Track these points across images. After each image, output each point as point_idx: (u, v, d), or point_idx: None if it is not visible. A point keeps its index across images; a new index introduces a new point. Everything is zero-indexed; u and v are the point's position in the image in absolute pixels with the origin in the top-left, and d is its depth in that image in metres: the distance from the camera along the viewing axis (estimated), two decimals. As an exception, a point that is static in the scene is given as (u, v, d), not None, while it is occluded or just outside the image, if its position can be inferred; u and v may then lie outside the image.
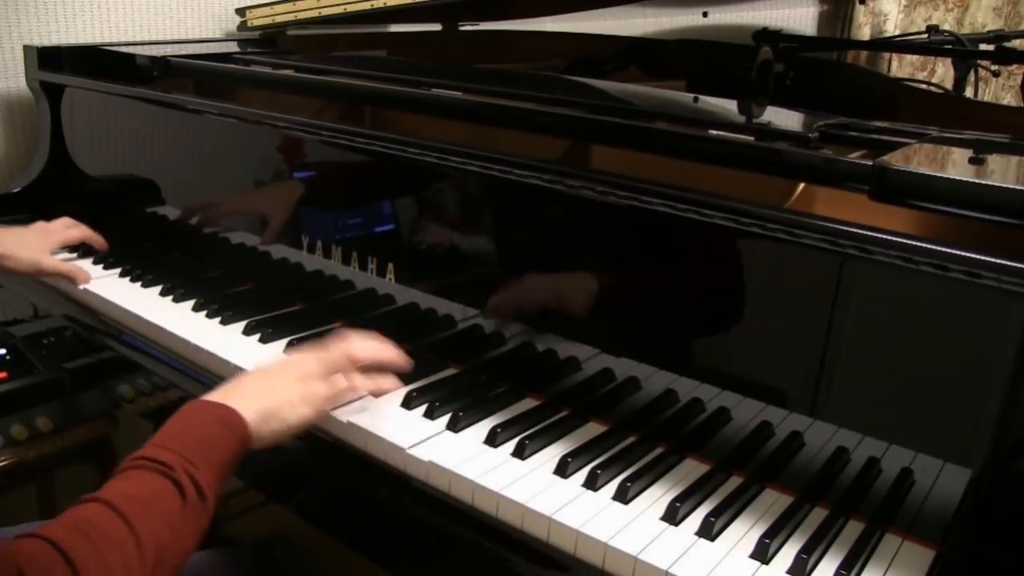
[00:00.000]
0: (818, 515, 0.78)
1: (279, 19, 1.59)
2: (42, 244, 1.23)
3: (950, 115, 1.36)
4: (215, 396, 0.80)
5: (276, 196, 1.21)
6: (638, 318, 0.92)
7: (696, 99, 1.17)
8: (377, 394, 0.93)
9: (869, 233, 0.71)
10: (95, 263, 1.31)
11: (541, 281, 0.97)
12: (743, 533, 0.75)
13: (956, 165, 0.79)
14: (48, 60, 1.50)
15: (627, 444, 0.87)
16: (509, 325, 0.98)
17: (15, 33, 1.58)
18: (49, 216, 1.36)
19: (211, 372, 1.04)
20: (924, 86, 2.02)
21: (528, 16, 1.86)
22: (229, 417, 0.78)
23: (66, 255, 1.30)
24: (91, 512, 0.67)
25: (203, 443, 0.75)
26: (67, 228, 1.29)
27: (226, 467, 0.76)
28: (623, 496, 0.79)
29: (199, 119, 1.30)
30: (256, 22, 1.63)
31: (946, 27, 2.66)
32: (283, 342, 1.06)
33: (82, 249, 1.34)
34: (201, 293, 1.19)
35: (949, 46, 1.87)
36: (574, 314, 0.94)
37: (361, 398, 0.94)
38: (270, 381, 0.85)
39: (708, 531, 0.74)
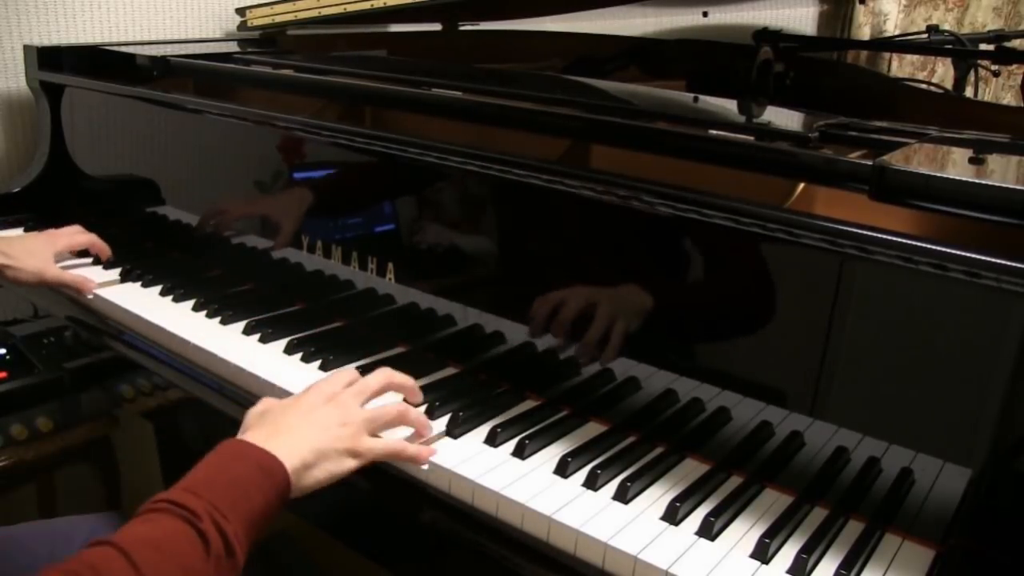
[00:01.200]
0: (818, 515, 0.78)
1: (279, 19, 1.59)
2: (48, 252, 1.22)
3: (950, 115, 1.36)
4: (256, 438, 0.73)
5: (288, 202, 1.20)
6: (638, 318, 0.92)
7: (696, 99, 1.17)
8: (420, 429, 0.86)
9: (869, 233, 0.71)
10: (95, 263, 1.31)
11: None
12: (743, 533, 0.75)
13: (956, 165, 0.79)
14: (48, 60, 1.50)
15: (627, 444, 0.87)
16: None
17: (15, 33, 1.58)
18: (49, 216, 1.37)
19: (211, 372, 1.04)
20: (924, 86, 2.02)
21: (528, 16, 1.86)
22: (270, 465, 0.70)
23: (73, 260, 1.29)
24: (98, 556, 0.60)
25: (238, 492, 0.67)
26: (74, 234, 1.28)
27: (260, 521, 0.68)
28: (623, 496, 0.79)
29: (199, 119, 1.30)
30: (256, 22, 1.63)
31: (946, 27, 2.66)
32: (283, 342, 1.06)
33: (90, 254, 1.32)
34: (201, 293, 1.19)
35: (949, 46, 1.87)
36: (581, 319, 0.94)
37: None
38: (316, 424, 0.77)
39: (708, 531, 0.74)
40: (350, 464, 0.77)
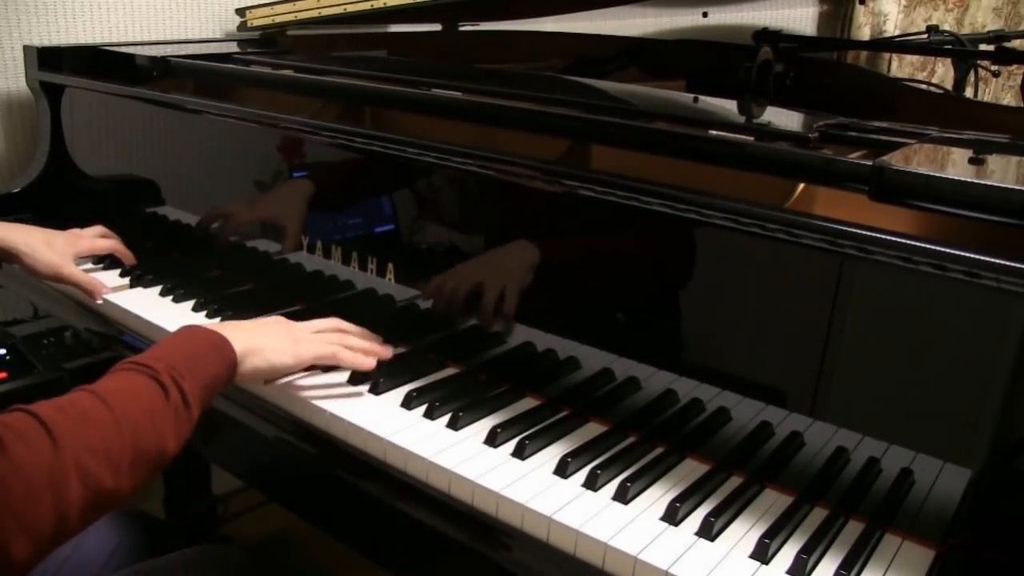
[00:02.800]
0: (818, 515, 0.78)
1: (279, 19, 1.59)
2: (68, 250, 1.21)
3: (950, 115, 1.36)
4: (211, 326, 0.87)
5: (288, 203, 1.20)
6: (638, 319, 0.92)
7: (696, 99, 1.17)
8: (355, 367, 0.96)
9: (869, 233, 0.71)
10: (95, 263, 1.31)
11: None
12: (743, 533, 0.75)
13: (956, 165, 0.79)
14: (48, 60, 1.50)
15: (627, 444, 0.87)
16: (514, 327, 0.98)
17: (15, 33, 1.58)
18: (49, 217, 1.36)
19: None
20: (924, 86, 2.02)
21: (528, 16, 1.86)
22: (219, 343, 0.83)
23: (89, 265, 1.29)
24: (74, 396, 0.71)
25: (191, 359, 0.79)
26: (97, 237, 1.28)
27: (211, 386, 0.80)
28: (623, 496, 0.79)
29: (199, 119, 1.30)
30: (256, 22, 1.63)
31: (946, 27, 2.67)
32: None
33: (108, 260, 1.32)
34: (201, 293, 1.19)
35: (949, 46, 1.87)
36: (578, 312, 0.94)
37: (359, 395, 0.94)
38: (263, 327, 0.92)
39: (708, 531, 0.74)
40: (288, 357, 0.90)
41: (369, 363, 0.96)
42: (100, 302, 1.20)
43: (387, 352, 0.99)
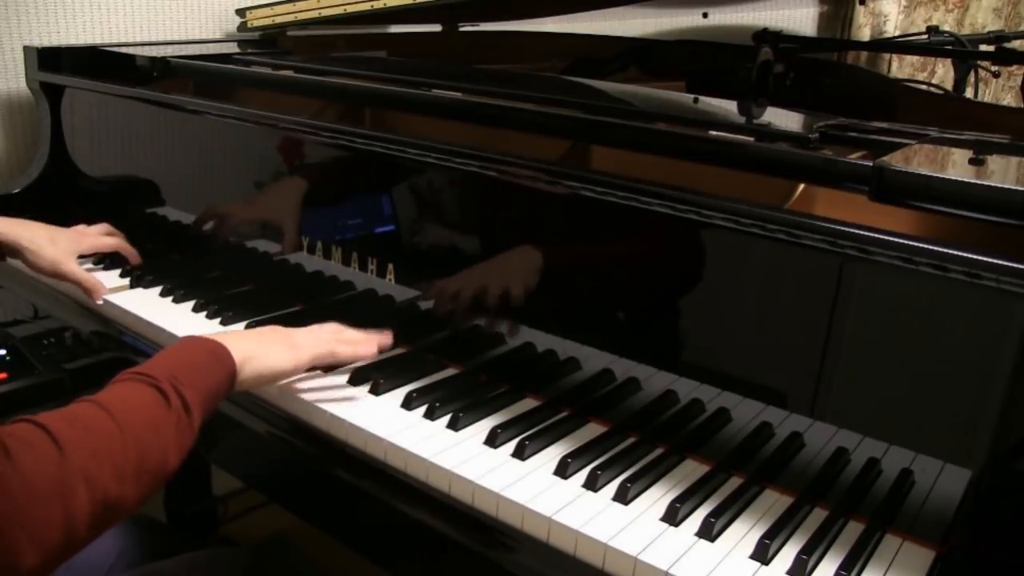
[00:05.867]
0: (818, 516, 0.78)
1: (279, 20, 1.59)
2: (71, 247, 1.21)
3: (950, 116, 1.36)
4: (210, 335, 0.87)
5: (287, 203, 1.20)
6: (638, 319, 0.92)
7: (696, 100, 1.17)
8: (355, 356, 0.97)
9: (869, 233, 0.71)
10: (96, 263, 1.31)
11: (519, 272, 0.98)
12: (743, 534, 0.75)
13: (956, 166, 0.79)
14: (48, 61, 1.50)
15: (627, 445, 0.87)
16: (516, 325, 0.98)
17: (15, 34, 1.58)
18: (49, 217, 1.36)
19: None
20: (924, 87, 2.02)
21: (528, 16, 1.86)
22: (219, 351, 0.84)
23: (90, 265, 1.29)
24: (78, 407, 0.72)
25: (192, 368, 0.80)
26: (102, 235, 1.28)
27: (213, 395, 0.81)
28: (623, 497, 0.79)
29: (199, 120, 1.30)
30: (256, 23, 1.63)
31: (946, 28, 2.67)
32: (283, 343, 1.06)
33: (108, 260, 1.31)
34: (201, 294, 1.19)
35: (949, 47, 1.87)
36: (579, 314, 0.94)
37: (359, 396, 0.94)
38: (261, 335, 0.93)
39: (708, 532, 0.74)
40: (287, 362, 0.90)
41: (369, 349, 0.96)
42: (100, 303, 1.20)
43: (387, 339, 0.99)
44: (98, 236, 1.27)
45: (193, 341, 0.85)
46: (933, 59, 2.78)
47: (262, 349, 0.89)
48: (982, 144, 0.87)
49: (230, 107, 1.24)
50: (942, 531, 0.75)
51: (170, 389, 0.75)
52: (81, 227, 1.27)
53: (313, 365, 0.94)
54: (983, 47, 1.88)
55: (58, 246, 1.20)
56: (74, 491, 0.66)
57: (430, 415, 0.91)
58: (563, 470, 0.82)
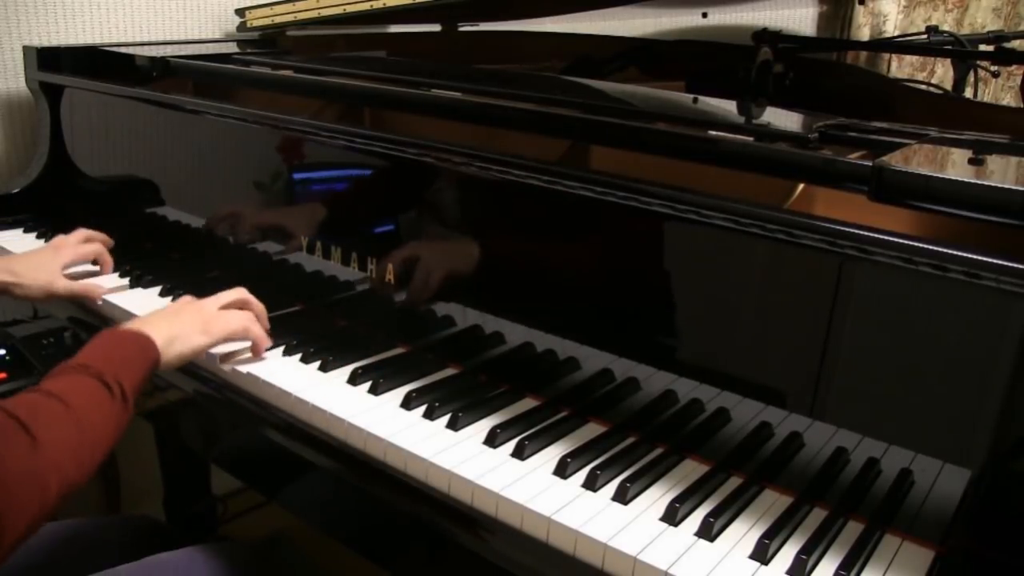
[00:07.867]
0: (818, 515, 0.78)
1: (279, 20, 1.59)
2: (53, 265, 1.19)
3: (949, 116, 1.36)
4: (129, 326, 0.93)
5: (287, 203, 1.20)
6: (638, 319, 0.92)
7: (696, 100, 1.17)
8: (260, 342, 1.03)
9: (868, 233, 0.71)
10: (94, 264, 1.31)
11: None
12: (743, 534, 0.75)
13: (955, 165, 0.79)
14: (48, 61, 1.50)
15: (627, 445, 0.87)
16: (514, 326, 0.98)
17: (15, 33, 1.58)
18: (49, 217, 1.36)
19: (210, 373, 1.04)
20: (924, 87, 2.02)
21: (528, 16, 1.86)
22: (145, 343, 0.90)
23: (87, 267, 1.27)
24: (37, 399, 0.77)
25: (127, 362, 0.86)
26: (80, 244, 1.25)
27: (143, 382, 0.88)
28: (623, 497, 0.79)
29: (199, 119, 1.30)
30: (256, 23, 1.63)
31: (946, 28, 2.67)
32: (282, 344, 1.06)
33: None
34: (201, 294, 1.18)
35: (949, 47, 1.87)
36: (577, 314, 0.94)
37: (359, 396, 0.94)
38: (175, 314, 0.99)
39: (708, 532, 0.74)
40: (202, 338, 0.97)
41: (268, 342, 1.04)
42: (100, 303, 1.20)
43: (265, 325, 1.06)
44: (76, 246, 1.24)
45: (121, 335, 0.90)
46: (932, 59, 2.78)
47: (178, 330, 0.95)
48: (982, 144, 0.87)
49: (229, 107, 1.24)
50: (942, 531, 0.75)
51: (113, 382, 0.82)
52: (57, 240, 1.25)
53: (228, 339, 1.01)
54: (982, 47, 1.89)
55: (42, 270, 1.17)
56: (47, 481, 0.71)
57: (429, 415, 0.91)
58: (562, 470, 0.82)
